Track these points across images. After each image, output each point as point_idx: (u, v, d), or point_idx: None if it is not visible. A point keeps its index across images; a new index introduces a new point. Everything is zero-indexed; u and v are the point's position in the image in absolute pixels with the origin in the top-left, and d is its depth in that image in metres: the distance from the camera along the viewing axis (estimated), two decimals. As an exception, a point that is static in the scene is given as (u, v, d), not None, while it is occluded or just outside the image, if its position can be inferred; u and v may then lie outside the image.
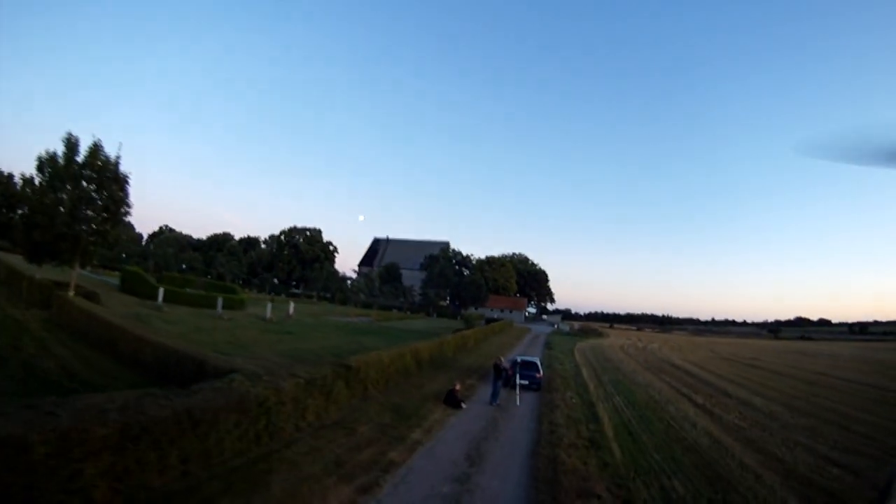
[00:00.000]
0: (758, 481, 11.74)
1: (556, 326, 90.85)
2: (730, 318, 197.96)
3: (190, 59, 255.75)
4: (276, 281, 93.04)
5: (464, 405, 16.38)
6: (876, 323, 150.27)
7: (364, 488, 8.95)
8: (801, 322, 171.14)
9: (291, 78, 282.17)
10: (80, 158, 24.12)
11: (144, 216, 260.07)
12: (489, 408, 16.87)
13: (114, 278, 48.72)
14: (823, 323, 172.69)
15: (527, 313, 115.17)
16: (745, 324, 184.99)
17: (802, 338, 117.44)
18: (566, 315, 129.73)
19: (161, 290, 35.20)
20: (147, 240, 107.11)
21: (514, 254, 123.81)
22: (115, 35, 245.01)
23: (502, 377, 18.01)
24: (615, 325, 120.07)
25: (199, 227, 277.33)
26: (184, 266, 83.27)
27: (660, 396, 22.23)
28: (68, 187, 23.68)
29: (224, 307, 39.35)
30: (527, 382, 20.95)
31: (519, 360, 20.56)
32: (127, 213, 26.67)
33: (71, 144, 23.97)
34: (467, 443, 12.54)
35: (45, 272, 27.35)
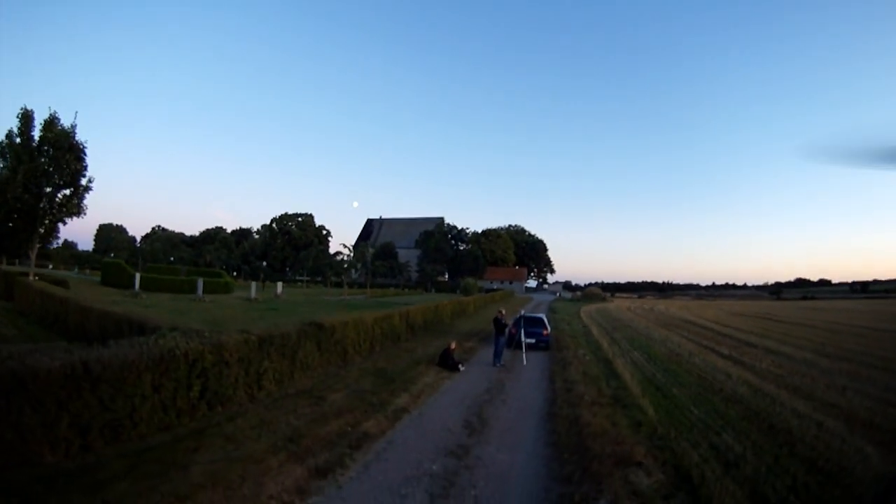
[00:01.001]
0: (821, 430, 9.37)
1: (557, 295, 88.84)
2: (730, 282, 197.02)
3: (173, 51, 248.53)
4: (269, 268, 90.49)
5: (462, 367, 13.96)
6: (876, 282, 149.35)
7: (322, 469, 6.46)
8: (801, 283, 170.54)
9: (274, 61, 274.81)
10: (36, 133, 22.69)
11: (137, 219, 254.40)
12: (492, 369, 14.45)
13: (98, 276, 46.32)
14: (824, 283, 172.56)
15: (527, 285, 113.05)
16: (745, 287, 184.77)
17: (805, 298, 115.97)
18: (567, 285, 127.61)
19: (137, 277, 33.06)
20: (140, 241, 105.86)
21: (510, 225, 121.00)
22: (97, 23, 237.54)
23: (505, 334, 15.53)
24: (616, 294, 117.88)
25: (191, 225, 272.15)
26: (171, 259, 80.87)
27: (681, 350, 19.88)
28: (23, 162, 22.05)
29: (208, 291, 37.17)
30: (533, 341, 18.53)
31: (523, 315, 17.85)
32: (89, 186, 24.57)
33: (26, 119, 22.38)
34: (466, 408, 10.08)
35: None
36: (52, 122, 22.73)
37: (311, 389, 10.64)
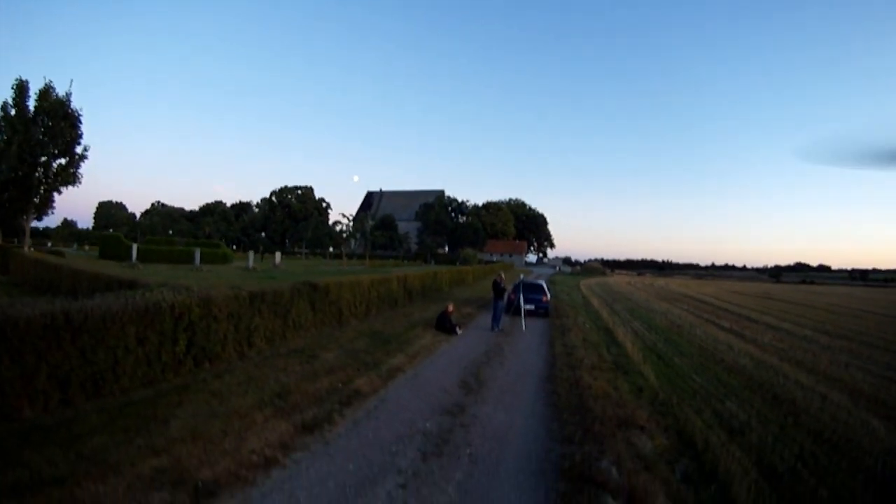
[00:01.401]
0: (826, 402, 9.12)
1: (557, 269, 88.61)
2: (730, 264, 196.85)
3: (171, 27, 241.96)
4: (269, 240, 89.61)
5: (459, 331, 13.64)
6: (875, 271, 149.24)
7: (309, 425, 6.13)
8: (800, 267, 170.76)
9: (273, 34, 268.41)
10: (31, 104, 22.40)
11: (137, 195, 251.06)
12: (490, 334, 14.14)
13: (97, 252, 45.65)
14: (823, 269, 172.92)
15: (527, 259, 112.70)
16: (745, 269, 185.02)
17: (804, 282, 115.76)
18: (567, 261, 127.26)
19: (135, 248, 32.53)
20: (140, 217, 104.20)
21: (511, 199, 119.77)
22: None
23: (504, 299, 15.17)
24: (616, 271, 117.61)
25: (191, 200, 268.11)
26: (171, 232, 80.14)
27: (682, 322, 19.65)
28: (18, 132, 21.74)
29: (206, 262, 36.81)
30: (532, 307, 18.22)
31: (522, 281, 17.43)
32: (84, 154, 24.09)
33: (21, 89, 21.96)
34: (463, 368, 9.77)
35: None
36: (47, 92, 22.31)
37: (303, 349, 10.31)
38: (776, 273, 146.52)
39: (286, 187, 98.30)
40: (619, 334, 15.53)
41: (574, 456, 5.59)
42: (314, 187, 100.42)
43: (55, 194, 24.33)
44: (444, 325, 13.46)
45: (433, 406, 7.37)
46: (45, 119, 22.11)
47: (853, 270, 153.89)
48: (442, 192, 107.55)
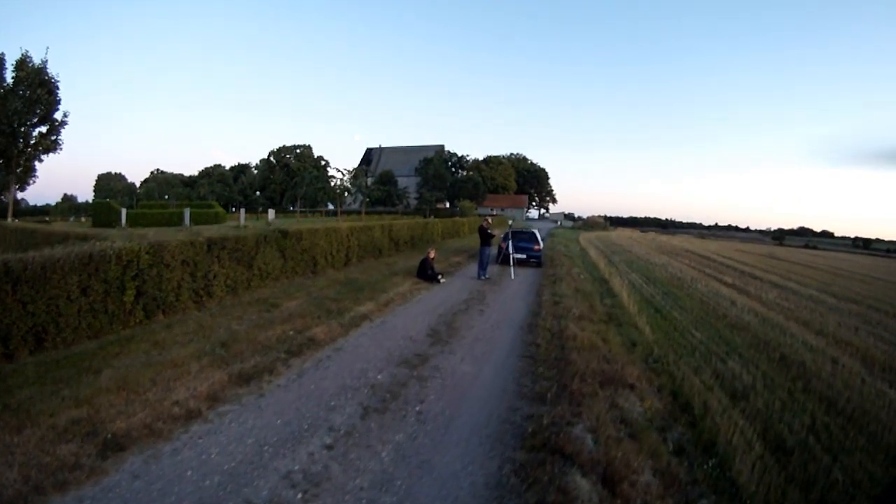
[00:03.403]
0: (837, 367, 8.11)
1: (558, 223, 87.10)
2: (733, 224, 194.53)
3: None
4: (269, 201, 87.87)
5: (442, 279, 12.65)
6: (878, 240, 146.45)
7: (246, 376, 5.47)
8: (804, 232, 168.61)
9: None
10: (8, 75, 21.78)
11: (137, 165, 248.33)
12: (475, 282, 13.15)
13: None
14: (826, 234, 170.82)
15: (527, 213, 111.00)
16: (748, 230, 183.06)
17: (807, 246, 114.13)
18: (569, 216, 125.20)
19: (123, 212, 32.05)
20: (140, 186, 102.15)
21: (512, 153, 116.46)
22: None
23: (490, 244, 14.11)
24: (619, 228, 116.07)
25: (190, 166, 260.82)
26: (167, 197, 78.41)
27: (683, 275, 18.59)
28: None
29: (200, 222, 36.15)
30: (523, 256, 17.16)
31: (511, 229, 16.18)
32: (64, 120, 23.40)
33: None
34: (437, 317, 8.82)
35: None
36: (23, 62, 21.69)
37: (267, 298, 9.49)
38: (779, 236, 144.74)
39: (284, 146, 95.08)
40: (615, 285, 14.53)
41: (542, 419, 4.64)
42: (314, 146, 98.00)
43: (36, 163, 24.05)
44: (426, 273, 12.46)
45: (392, 356, 6.51)
46: (25, 90, 21.64)
47: (856, 238, 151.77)
48: (442, 147, 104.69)
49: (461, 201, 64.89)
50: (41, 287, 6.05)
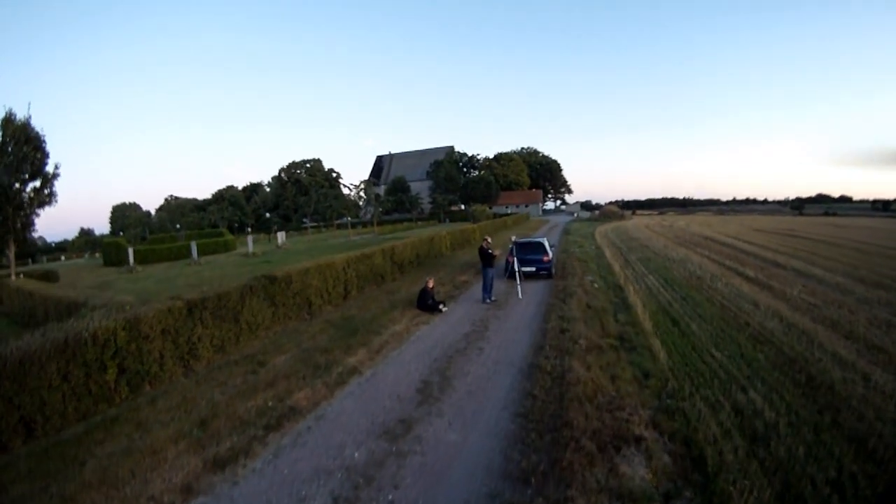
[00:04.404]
0: (870, 387, 7.18)
1: (575, 215, 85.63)
2: (751, 198, 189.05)
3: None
4: (282, 218, 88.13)
5: (443, 308, 12.16)
6: None
7: (221, 461, 5.37)
8: (822, 199, 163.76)
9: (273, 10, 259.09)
10: None
11: (150, 189, 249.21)
12: (480, 307, 12.62)
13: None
14: (844, 199, 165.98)
15: (543, 207, 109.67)
16: (766, 202, 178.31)
17: (826, 213, 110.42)
18: (586, 205, 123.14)
19: (130, 252, 32.13)
20: (155, 214, 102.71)
21: (523, 148, 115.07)
22: None
23: (493, 266, 13.51)
24: (637, 212, 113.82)
25: (204, 189, 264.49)
26: (178, 226, 79.09)
27: (702, 272, 17.65)
28: None
29: (209, 252, 36.82)
30: (532, 269, 16.50)
31: (514, 240, 15.33)
32: (56, 172, 23.22)
33: None
34: (431, 362, 8.35)
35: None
36: (9, 119, 21.57)
37: (255, 353, 9.22)
38: (798, 205, 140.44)
39: (294, 162, 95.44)
40: (630, 293, 13.82)
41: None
42: (324, 159, 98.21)
43: (34, 217, 23.81)
44: (426, 304, 11.99)
45: (374, 424, 6.11)
46: (12, 147, 21.56)
47: (875, 201, 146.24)
48: (452, 148, 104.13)
49: (472, 206, 63.73)
50: (22, 380, 6.13)
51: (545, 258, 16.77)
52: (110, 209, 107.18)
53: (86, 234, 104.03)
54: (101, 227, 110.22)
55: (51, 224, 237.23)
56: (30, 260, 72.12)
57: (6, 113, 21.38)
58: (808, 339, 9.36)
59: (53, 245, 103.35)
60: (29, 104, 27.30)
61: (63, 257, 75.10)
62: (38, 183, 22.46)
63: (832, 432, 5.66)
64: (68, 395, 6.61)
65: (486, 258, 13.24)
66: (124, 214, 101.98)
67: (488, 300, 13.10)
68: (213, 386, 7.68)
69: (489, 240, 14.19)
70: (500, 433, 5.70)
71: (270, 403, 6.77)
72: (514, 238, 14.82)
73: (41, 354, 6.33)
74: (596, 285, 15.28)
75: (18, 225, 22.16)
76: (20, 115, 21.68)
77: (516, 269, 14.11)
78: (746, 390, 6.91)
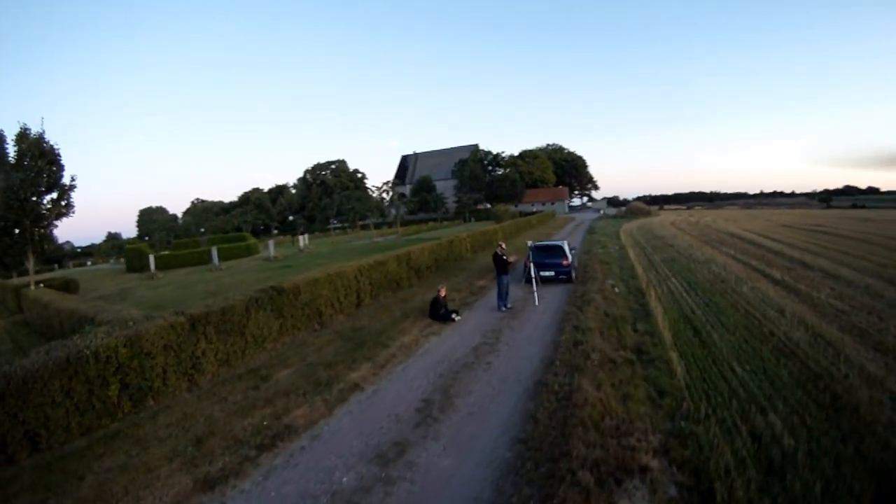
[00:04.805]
0: None
1: (601, 212, 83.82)
2: (779, 190, 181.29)
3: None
4: (308, 220, 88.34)
5: (457, 317, 11.90)
6: None
7: (211, 480, 5.45)
8: (849, 190, 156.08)
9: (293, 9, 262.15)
10: (10, 150, 22.08)
11: (177, 194, 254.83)
12: (494, 315, 12.32)
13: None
14: (872, 191, 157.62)
15: (570, 203, 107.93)
16: (793, 194, 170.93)
17: (854, 206, 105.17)
18: (614, 201, 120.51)
19: (151, 258, 32.67)
20: (181, 217, 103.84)
21: (548, 144, 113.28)
22: None
23: (508, 272, 13.14)
24: (665, 207, 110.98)
25: (230, 192, 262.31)
26: (202, 230, 79.95)
27: (727, 274, 16.86)
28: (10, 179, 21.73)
29: (231, 257, 37.19)
30: (551, 274, 16.06)
31: (530, 244, 14.69)
32: (73, 184, 23.59)
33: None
34: (436, 378, 8.14)
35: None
36: (24, 135, 22.03)
37: (260, 367, 9.25)
38: (825, 198, 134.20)
39: (319, 164, 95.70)
40: (651, 299, 13.28)
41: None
42: (351, 160, 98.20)
43: (52, 229, 24.49)
44: (437, 314, 11.76)
45: (369, 446, 5.97)
46: (28, 161, 21.99)
47: None
48: (476, 146, 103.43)
49: (494, 205, 62.87)
50: (26, 397, 6.32)
51: (564, 262, 16.29)
52: (137, 213, 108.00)
53: (113, 238, 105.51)
54: (129, 230, 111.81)
55: (79, 228, 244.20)
56: (56, 265, 74.48)
57: (21, 128, 21.87)
58: (835, 352, 8.70)
59: (79, 250, 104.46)
60: (42, 119, 27.51)
61: (89, 262, 76.03)
62: (54, 195, 22.90)
63: (853, 465, 5.16)
64: (71, 410, 6.77)
65: (501, 265, 12.91)
66: (151, 218, 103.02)
67: (503, 308, 12.78)
68: (213, 402, 7.72)
69: (503, 245, 13.82)
70: (495, 461, 5.44)
71: (266, 422, 6.74)
72: (530, 243, 14.37)
73: (44, 372, 6.50)
74: (617, 290, 14.76)
75: (36, 237, 22.67)
76: (34, 129, 22.11)
77: (531, 275, 13.73)
78: (766, 412, 6.42)
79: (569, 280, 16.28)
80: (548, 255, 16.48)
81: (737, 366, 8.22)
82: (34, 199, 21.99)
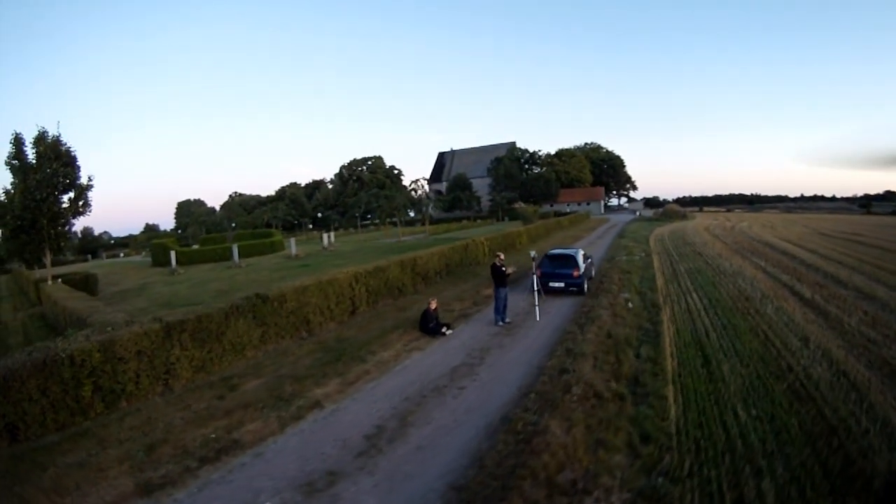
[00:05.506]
0: None
1: (637, 214, 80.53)
2: (819, 194, 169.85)
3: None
4: (343, 216, 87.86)
5: (448, 331, 11.15)
6: None
7: (152, 487, 5.55)
8: (891, 196, 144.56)
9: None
10: (29, 152, 22.86)
11: (218, 187, 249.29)
12: (489, 330, 11.48)
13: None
14: None
15: (607, 204, 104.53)
16: (834, 199, 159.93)
17: (894, 213, 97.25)
18: (652, 202, 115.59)
19: (173, 254, 33.00)
20: (219, 210, 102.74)
21: (586, 143, 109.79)
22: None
23: (506, 285, 12.21)
24: (704, 209, 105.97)
25: (268, 185, 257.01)
26: (234, 224, 79.89)
27: (752, 290, 15.27)
28: (14, 181, 22.71)
29: (255, 254, 37.19)
30: (561, 285, 15.03)
31: (534, 256, 13.39)
32: (90, 184, 24.22)
33: (17, 142, 22.59)
34: (400, 401, 7.53)
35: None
36: (42, 138, 22.76)
37: (234, 375, 9.02)
38: (865, 203, 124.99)
39: (356, 160, 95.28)
40: (665, 317, 12.09)
41: None
42: (386, 156, 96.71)
43: (69, 227, 25.25)
44: (427, 327, 11.04)
45: (302, 473, 5.68)
46: (46, 163, 22.65)
47: None
48: (513, 144, 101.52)
49: (520, 205, 60.92)
50: (6, 393, 6.73)
51: (575, 273, 15.18)
52: (176, 205, 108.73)
53: (151, 229, 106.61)
54: (169, 222, 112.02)
55: (119, 219, 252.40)
56: (90, 256, 77.95)
57: (39, 132, 22.58)
58: (858, 397, 7.36)
59: (113, 241, 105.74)
60: (58, 123, 28.20)
61: (122, 254, 77.73)
62: (72, 194, 23.56)
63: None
64: (47, 407, 7.10)
65: (499, 277, 12.02)
66: (189, 211, 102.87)
67: (501, 322, 11.93)
68: (178, 409, 7.73)
69: (502, 256, 12.87)
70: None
71: (213, 435, 6.69)
72: (534, 253, 13.30)
73: (23, 372, 6.87)
74: (630, 305, 13.57)
75: (53, 234, 23.30)
76: (51, 132, 22.80)
77: (534, 288, 12.73)
78: (762, 476, 5.34)
79: (580, 292, 15.19)
80: (558, 265, 15.44)
81: (741, 409, 7.08)
82: (50, 199, 22.60)
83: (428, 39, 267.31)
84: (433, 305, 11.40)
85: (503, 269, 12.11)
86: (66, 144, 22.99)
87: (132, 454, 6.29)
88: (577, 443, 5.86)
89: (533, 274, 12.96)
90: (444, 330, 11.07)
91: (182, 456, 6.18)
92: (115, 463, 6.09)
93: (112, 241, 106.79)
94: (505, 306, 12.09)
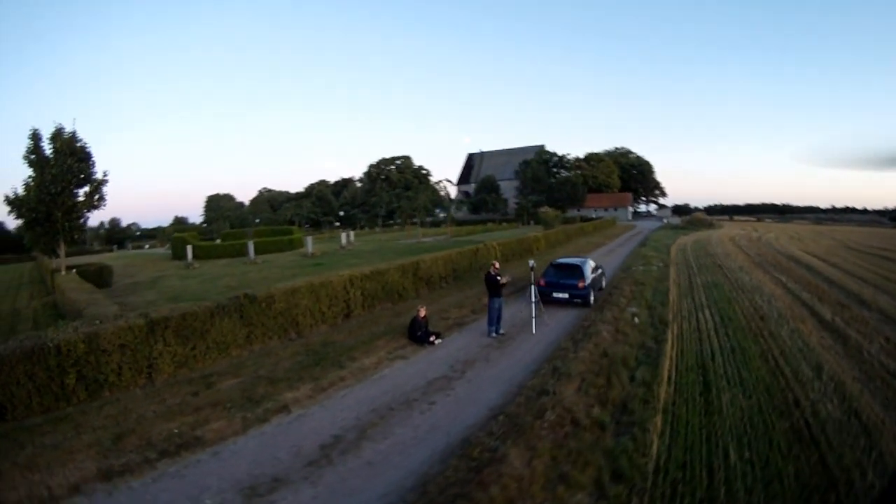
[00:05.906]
0: None
1: (664, 221, 78.03)
2: (850, 206, 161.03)
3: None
4: (370, 215, 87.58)
5: (437, 340, 10.73)
6: None
7: (111, 473, 5.81)
8: None
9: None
10: (46, 146, 23.41)
11: (248, 182, 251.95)
12: (480, 342, 10.99)
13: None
14: None
15: (635, 210, 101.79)
16: (865, 211, 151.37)
17: None
18: (682, 209, 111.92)
19: (189, 249, 33.35)
20: (248, 205, 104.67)
21: (616, 148, 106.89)
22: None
23: (501, 295, 11.69)
24: (734, 217, 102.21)
25: (297, 182, 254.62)
26: (258, 220, 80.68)
27: (769, 309, 14.20)
28: (33, 175, 23.27)
29: (273, 251, 37.26)
30: (564, 296, 14.40)
31: (532, 265, 12.62)
32: (105, 179, 24.75)
33: (35, 137, 23.19)
34: (367, 412, 7.25)
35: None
36: (58, 134, 23.32)
37: (213, 373, 9.15)
38: (895, 217, 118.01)
39: (384, 159, 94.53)
40: (670, 336, 11.32)
41: None
42: (415, 156, 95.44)
43: (84, 221, 25.77)
44: (417, 335, 10.65)
45: (250, 476, 5.71)
46: (61, 158, 23.18)
47: None
48: (542, 147, 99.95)
49: (542, 210, 59.38)
50: None
51: (580, 284, 14.50)
52: (205, 199, 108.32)
53: (180, 222, 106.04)
54: (195, 215, 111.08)
55: (152, 211, 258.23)
56: (116, 246, 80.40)
57: (55, 128, 23.20)
58: (869, 443, 6.51)
59: (139, 233, 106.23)
60: (74, 119, 28.67)
61: (147, 245, 78.80)
62: (87, 189, 24.11)
63: None
64: (33, 392, 7.54)
65: (493, 287, 11.52)
66: (218, 205, 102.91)
67: (494, 334, 11.43)
68: (154, 402, 7.91)
69: (497, 264, 12.30)
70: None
71: (177, 430, 6.83)
72: (532, 263, 12.65)
73: (12, 358, 7.32)
74: (637, 320, 12.82)
75: (67, 227, 23.90)
76: (68, 129, 23.39)
77: (532, 299, 12.13)
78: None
79: (585, 304, 14.50)
80: (563, 275, 14.80)
81: (733, 450, 6.35)
82: (65, 193, 23.22)
83: (462, 44, 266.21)
84: (422, 313, 11.01)
85: (498, 278, 11.60)
86: (81, 141, 23.65)
87: (101, 441, 6.58)
88: (535, 476, 5.34)
89: (531, 284, 12.38)
90: (432, 339, 10.67)
91: (145, 447, 6.41)
92: (84, 447, 6.41)
93: (139, 233, 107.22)
94: (499, 317, 11.59)
